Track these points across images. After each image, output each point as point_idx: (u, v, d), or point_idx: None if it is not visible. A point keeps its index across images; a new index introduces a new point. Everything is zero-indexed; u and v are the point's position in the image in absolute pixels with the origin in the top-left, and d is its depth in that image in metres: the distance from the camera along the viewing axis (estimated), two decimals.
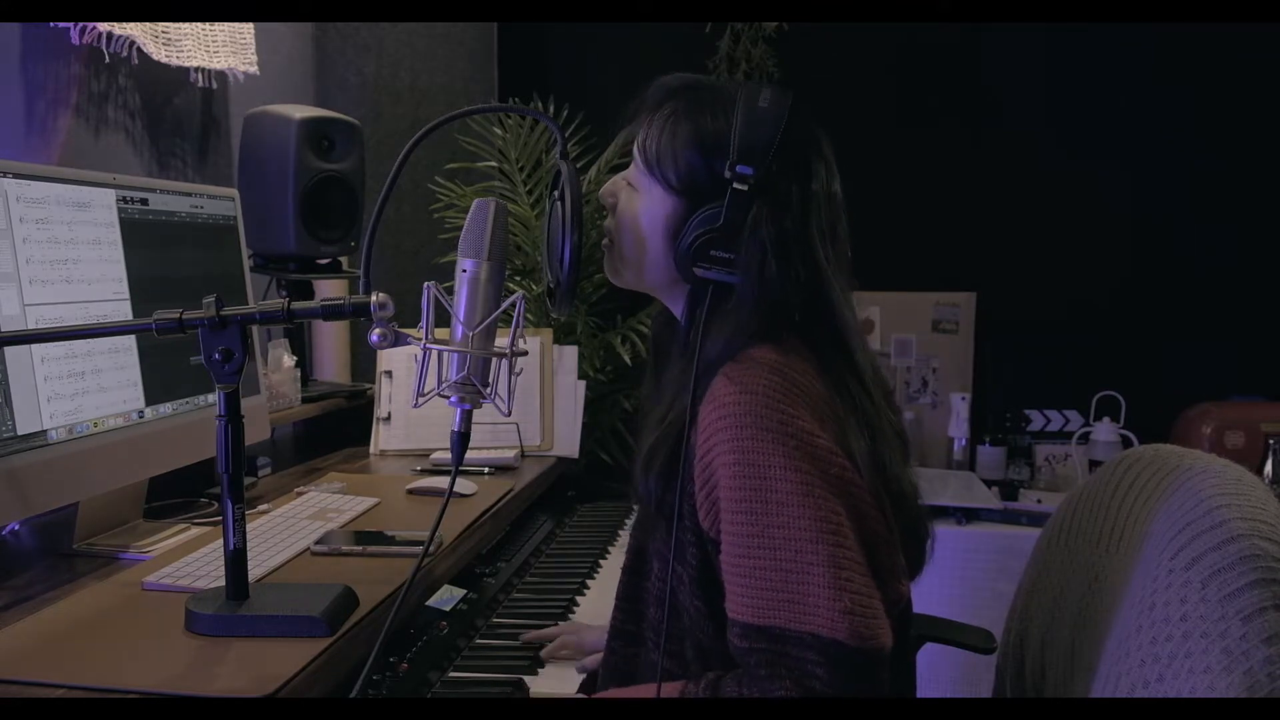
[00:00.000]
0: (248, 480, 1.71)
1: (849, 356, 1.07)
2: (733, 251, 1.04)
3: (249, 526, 1.18)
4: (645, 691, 1.07)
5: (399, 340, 1.01)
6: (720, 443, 0.98)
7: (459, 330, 1.00)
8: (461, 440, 1.00)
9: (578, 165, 2.10)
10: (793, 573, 0.95)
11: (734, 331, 1.04)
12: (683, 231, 1.06)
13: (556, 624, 1.42)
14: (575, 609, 1.52)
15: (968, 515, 2.44)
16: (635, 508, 1.92)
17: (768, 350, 1.02)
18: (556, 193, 1.11)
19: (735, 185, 1.03)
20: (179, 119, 2.00)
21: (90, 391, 1.27)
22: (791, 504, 0.95)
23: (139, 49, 1.75)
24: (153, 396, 1.37)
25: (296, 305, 1.04)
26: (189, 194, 1.49)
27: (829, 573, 0.94)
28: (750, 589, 0.96)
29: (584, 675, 1.29)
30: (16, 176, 1.18)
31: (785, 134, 1.04)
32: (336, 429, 2.10)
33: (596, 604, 1.53)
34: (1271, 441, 2.39)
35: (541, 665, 1.30)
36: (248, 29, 2.02)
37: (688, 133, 1.07)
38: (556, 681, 1.27)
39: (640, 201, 1.11)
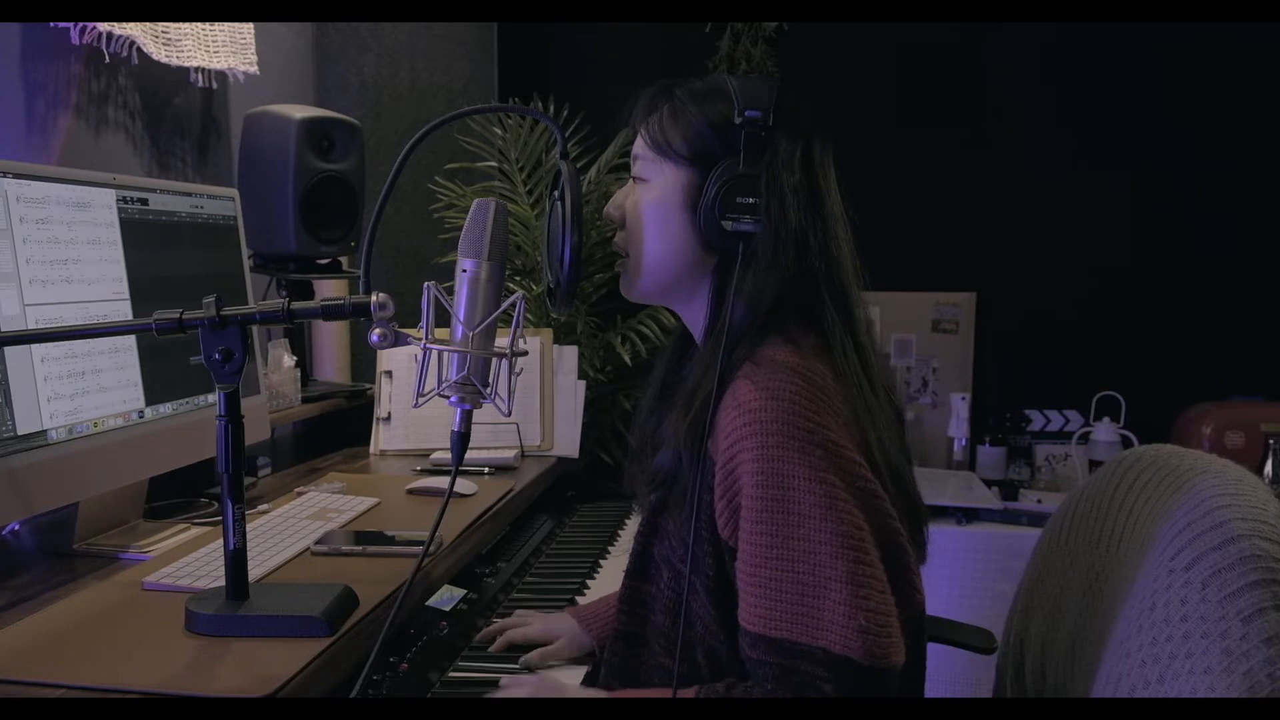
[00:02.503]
0: (248, 480, 1.71)
1: (853, 331, 1.08)
2: (755, 196, 1.05)
3: (249, 526, 1.18)
4: (655, 694, 1.07)
5: (399, 340, 1.01)
6: (745, 450, 0.97)
7: (459, 330, 1.00)
8: (461, 440, 1.00)
9: (578, 165, 2.10)
10: (810, 587, 0.94)
11: (757, 290, 1.05)
12: (703, 192, 1.07)
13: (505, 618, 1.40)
14: None
15: (968, 515, 2.44)
16: (635, 508, 1.92)
17: (787, 352, 1.02)
18: (556, 193, 1.11)
19: (747, 130, 1.05)
20: (179, 119, 2.00)
21: (90, 391, 1.27)
22: (815, 516, 0.95)
23: (139, 49, 1.75)
24: (153, 396, 1.37)
25: (296, 305, 1.04)
26: (189, 194, 1.49)
27: (847, 589, 0.94)
28: (765, 600, 0.96)
29: (583, 675, 1.29)
30: (16, 176, 1.18)
31: (780, 97, 1.07)
32: (336, 429, 2.10)
33: None
34: (1271, 441, 2.39)
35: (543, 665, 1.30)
36: (248, 29, 2.02)
37: (691, 110, 1.09)
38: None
39: (652, 190, 1.12)
